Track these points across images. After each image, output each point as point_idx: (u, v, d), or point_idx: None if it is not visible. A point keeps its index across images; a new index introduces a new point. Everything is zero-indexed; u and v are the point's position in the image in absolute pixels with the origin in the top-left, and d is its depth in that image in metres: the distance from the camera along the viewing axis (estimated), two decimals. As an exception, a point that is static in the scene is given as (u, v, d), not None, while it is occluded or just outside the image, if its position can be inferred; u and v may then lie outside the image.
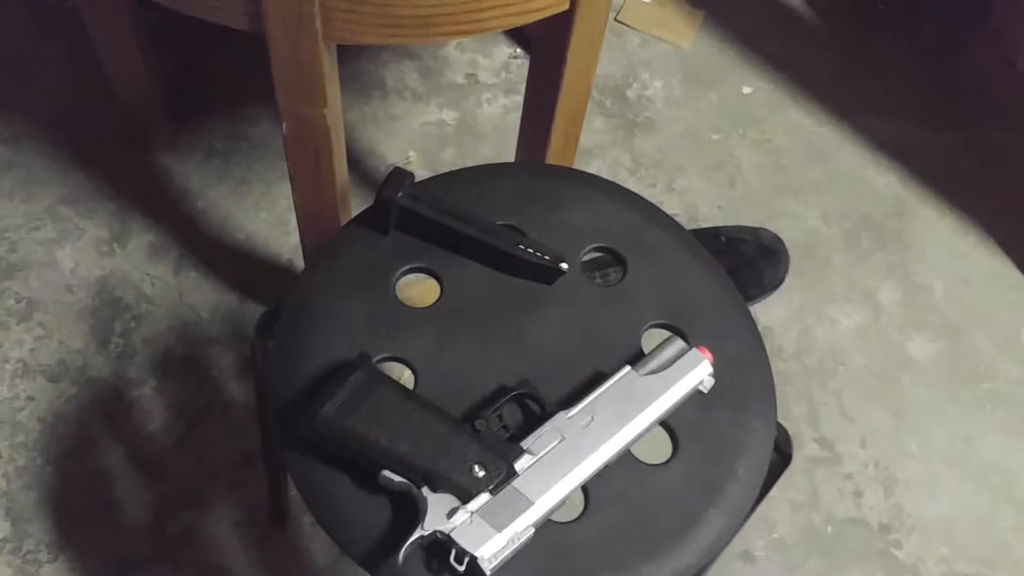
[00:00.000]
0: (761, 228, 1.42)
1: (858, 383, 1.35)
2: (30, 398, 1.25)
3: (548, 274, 0.75)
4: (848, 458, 1.29)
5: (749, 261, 1.39)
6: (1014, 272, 1.45)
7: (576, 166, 1.49)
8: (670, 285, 0.78)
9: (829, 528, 1.24)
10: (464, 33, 0.85)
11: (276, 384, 0.71)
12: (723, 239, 1.40)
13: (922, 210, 1.50)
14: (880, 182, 1.52)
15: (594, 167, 1.52)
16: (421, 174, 1.48)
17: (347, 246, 0.77)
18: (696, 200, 1.49)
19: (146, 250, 1.37)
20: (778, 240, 1.41)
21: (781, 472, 0.78)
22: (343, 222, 1.13)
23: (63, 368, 1.28)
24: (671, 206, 1.48)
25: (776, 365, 1.34)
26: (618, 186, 0.83)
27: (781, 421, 0.75)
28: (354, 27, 0.83)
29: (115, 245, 1.37)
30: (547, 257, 0.75)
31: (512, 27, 0.87)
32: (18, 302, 1.32)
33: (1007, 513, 1.26)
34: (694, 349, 0.72)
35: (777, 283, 1.39)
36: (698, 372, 0.71)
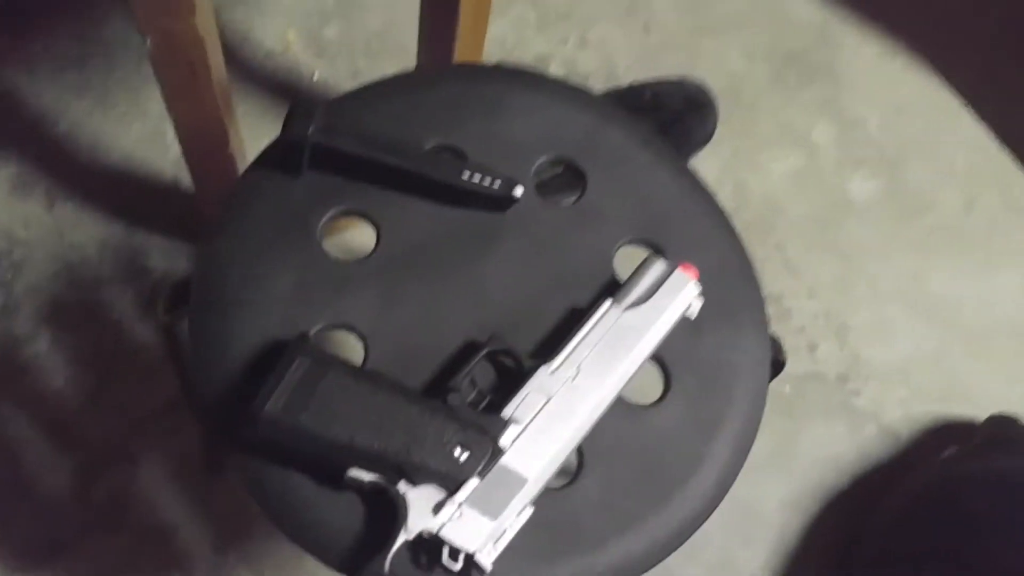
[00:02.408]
0: (686, 79, 1.31)
1: (799, 232, 1.30)
2: (-94, 375, 1.11)
3: (500, 202, 0.65)
4: (797, 312, 1.26)
5: (676, 117, 1.29)
6: (947, 94, 1.39)
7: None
8: (636, 193, 0.68)
9: (787, 387, 1.22)
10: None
11: (201, 380, 0.60)
12: (648, 95, 1.30)
13: (848, 37, 1.41)
14: (802, 11, 1.42)
15: (496, 28, 1.37)
16: (304, 58, 1.34)
17: (254, 197, 0.65)
18: (612, 53, 1.37)
19: (9, 186, 1.20)
20: (704, 91, 1.31)
21: (771, 379, 0.72)
22: (229, 132, 0.99)
23: (-62, 336, 1.13)
24: (587, 63, 1.36)
25: (718, 226, 1.28)
26: (560, 82, 0.71)
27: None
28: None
29: (-30, 185, 1.20)
30: (497, 183, 0.64)
31: None
32: None
33: (959, 346, 1.25)
34: (678, 269, 0.63)
35: (707, 137, 1.31)
36: (685, 295, 0.63)
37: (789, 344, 1.23)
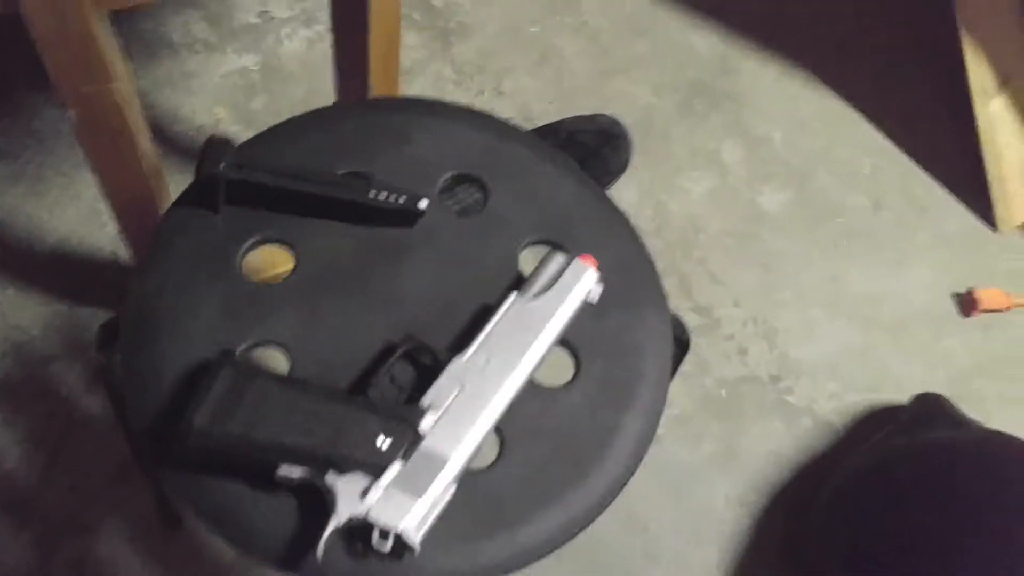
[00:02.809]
0: (598, 114, 1.39)
1: (720, 246, 1.36)
2: None
3: (407, 216, 0.70)
4: (726, 320, 1.31)
5: (592, 150, 1.36)
6: (842, 105, 1.48)
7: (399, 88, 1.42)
8: (536, 199, 0.74)
9: (723, 391, 1.26)
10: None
11: (135, 405, 0.64)
12: (563, 134, 1.36)
13: (746, 64, 1.50)
14: (702, 44, 1.51)
15: (416, 86, 1.44)
16: (234, 130, 1.39)
17: (176, 234, 0.69)
18: (527, 100, 1.44)
19: (-51, 278, 1.23)
20: (616, 123, 1.38)
21: (681, 360, 0.77)
22: (160, 202, 1.04)
23: None
24: (504, 111, 1.43)
25: (641, 247, 1.34)
26: (459, 107, 0.77)
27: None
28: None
29: (-89, 280, 1.22)
30: (402, 199, 0.69)
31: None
32: None
33: (881, 338, 1.31)
34: (577, 259, 0.68)
35: (623, 166, 1.38)
36: (585, 282, 0.68)
37: (720, 351, 1.29)
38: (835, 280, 1.35)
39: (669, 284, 1.31)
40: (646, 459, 1.18)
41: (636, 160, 1.39)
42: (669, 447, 1.23)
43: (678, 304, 1.31)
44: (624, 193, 1.38)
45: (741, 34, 1.52)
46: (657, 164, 1.41)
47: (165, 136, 1.35)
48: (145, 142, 0.97)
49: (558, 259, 0.68)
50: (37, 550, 1.09)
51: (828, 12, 1.57)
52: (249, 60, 1.43)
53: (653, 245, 1.32)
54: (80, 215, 1.28)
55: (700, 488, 1.20)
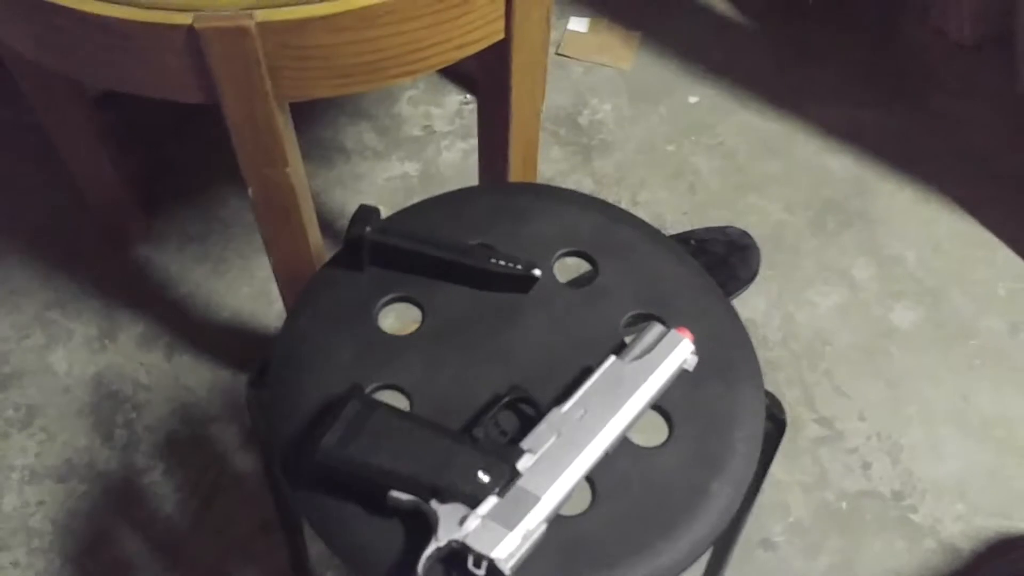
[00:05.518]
0: (728, 226, 1.45)
1: (847, 359, 1.37)
2: (40, 502, 1.26)
3: (523, 283, 0.78)
4: (850, 433, 1.31)
5: (720, 259, 1.42)
6: (980, 229, 1.48)
7: (541, 195, 1.53)
8: (642, 277, 0.81)
9: (843, 504, 1.26)
10: (410, 73, 0.89)
11: (275, 429, 0.73)
12: (692, 242, 1.43)
13: (882, 186, 1.54)
14: (836, 166, 1.56)
15: (559, 194, 1.55)
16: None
17: (325, 288, 0.80)
18: (661, 210, 1.52)
19: (136, 341, 1.39)
20: (745, 235, 1.44)
21: (779, 439, 0.80)
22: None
23: (70, 467, 1.29)
24: (639, 219, 1.51)
25: (763, 355, 1.37)
26: (578, 193, 0.86)
27: (777, 407, 0.78)
28: (303, 83, 0.87)
29: (106, 341, 1.39)
30: (519, 267, 0.77)
31: (454, 61, 0.91)
32: (17, 411, 1.33)
33: (1014, 463, 1.28)
34: (673, 330, 0.74)
35: (751, 276, 1.42)
36: (680, 351, 0.73)
37: (842, 464, 1.28)
38: (966, 400, 1.33)
39: (793, 394, 1.34)
40: (761, 566, 1.19)
41: (765, 272, 1.44)
42: (785, 556, 1.22)
43: (801, 414, 1.32)
44: (752, 303, 1.42)
45: (876, 157, 1.56)
46: (786, 277, 1.45)
47: (331, 229, 1.50)
48: (312, 224, 1.11)
49: (656, 329, 0.74)
50: (181, 589, 1.19)
51: (964, 138, 1.59)
52: (411, 167, 1.58)
53: (779, 355, 1.37)
54: (253, 293, 1.44)
55: (814, 599, 1.18)
